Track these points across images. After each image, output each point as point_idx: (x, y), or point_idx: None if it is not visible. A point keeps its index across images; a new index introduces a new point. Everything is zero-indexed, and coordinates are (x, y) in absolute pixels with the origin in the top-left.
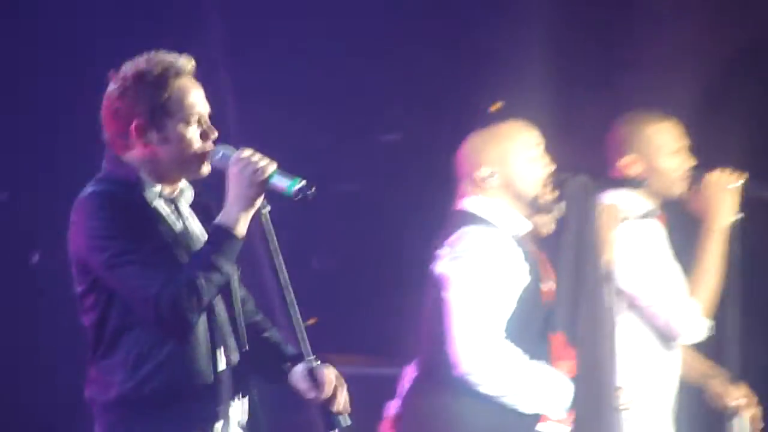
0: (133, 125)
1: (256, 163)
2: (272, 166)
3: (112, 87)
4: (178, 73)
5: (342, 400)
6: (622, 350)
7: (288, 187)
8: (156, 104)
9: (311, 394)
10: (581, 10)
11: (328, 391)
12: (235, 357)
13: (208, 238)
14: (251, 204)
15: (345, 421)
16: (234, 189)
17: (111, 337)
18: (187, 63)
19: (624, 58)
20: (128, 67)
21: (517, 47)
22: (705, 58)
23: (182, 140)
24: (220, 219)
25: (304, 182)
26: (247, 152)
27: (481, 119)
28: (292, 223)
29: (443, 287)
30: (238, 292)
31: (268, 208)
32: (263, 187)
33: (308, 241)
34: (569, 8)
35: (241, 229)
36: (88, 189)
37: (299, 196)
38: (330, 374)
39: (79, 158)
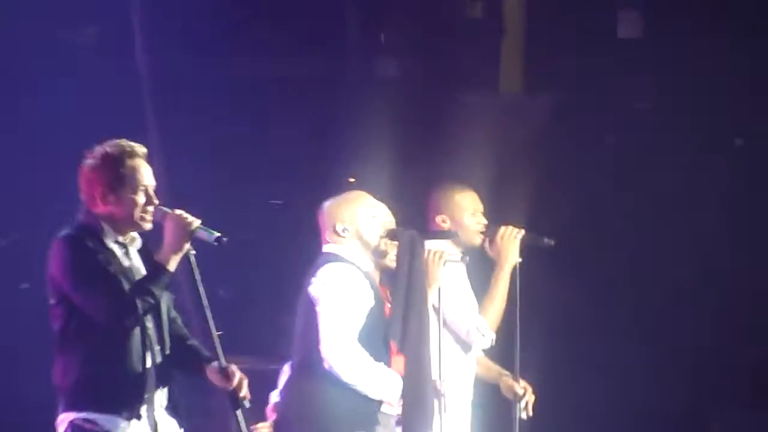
0: (99, 191)
1: (186, 219)
2: (197, 222)
3: (86, 161)
4: (132, 155)
5: (245, 389)
6: (438, 354)
7: (207, 236)
8: (114, 177)
9: (223, 385)
10: (408, 118)
11: (234, 382)
12: (159, 358)
13: (147, 272)
14: (180, 248)
15: (247, 403)
16: (168, 237)
17: (71, 339)
18: (140, 149)
19: (439, 146)
20: (98, 149)
21: (368, 140)
22: (496, 147)
23: (131, 204)
24: (157, 258)
25: (218, 234)
26: (178, 211)
27: (336, 189)
28: (204, 263)
29: (315, 304)
30: (167, 312)
31: (193, 251)
32: (190, 236)
33: (217, 275)
34: (402, 116)
35: (172, 266)
36: (64, 232)
37: (216, 243)
38: (236, 370)
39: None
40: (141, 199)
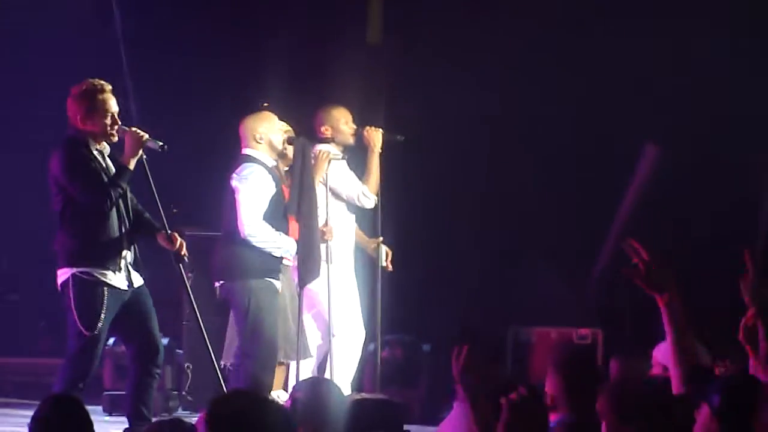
0: (80, 115)
1: (139, 133)
2: (146, 136)
3: (73, 93)
4: (102, 90)
5: (184, 250)
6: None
7: (154, 145)
8: (90, 106)
9: (170, 246)
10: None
11: (177, 245)
12: (128, 228)
13: (115, 171)
14: (136, 154)
15: (185, 261)
16: (128, 146)
17: (69, 217)
18: (107, 85)
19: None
20: (78, 86)
21: (275, 79)
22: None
23: (102, 125)
24: (120, 161)
25: (161, 143)
26: (134, 129)
27: (253, 108)
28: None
29: (235, 192)
30: (128, 195)
31: (146, 156)
32: (142, 145)
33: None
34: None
35: (131, 166)
36: (63, 141)
37: (160, 150)
38: (177, 236)
39: None
40: (108, 120)
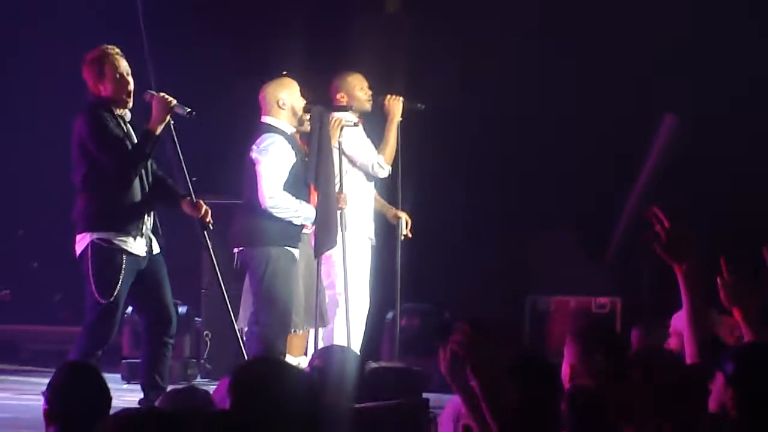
0: (92, 80)
1: (167, 98)
2: (174, 101)
3: (85, 60)
4: (109, 54)
5: (209, 217)
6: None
7: (182, 111)
8: (99, 70)
9: (194, 213)
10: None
11: (202, 212)
12: (147, 193)
13: (141, 135)
14: (164, 119)
15: (210, 228)
16: (155, 111)
17: (91, 183)
18: (115, 49)
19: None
20: (90, 53)
21: (294, 47)
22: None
23: (114, 88)
24: (147, 126)
25: (189, 109)
26: (162, 94)
27: (272, 78)
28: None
29: (255, 164)
30: (150, 162)
31: (173, 121)
32: (170, 111)
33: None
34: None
35: (158, 131)
36: (86, 107)
37: (188, 116)
38: (203, 203)
39: None
40: (119, 82)
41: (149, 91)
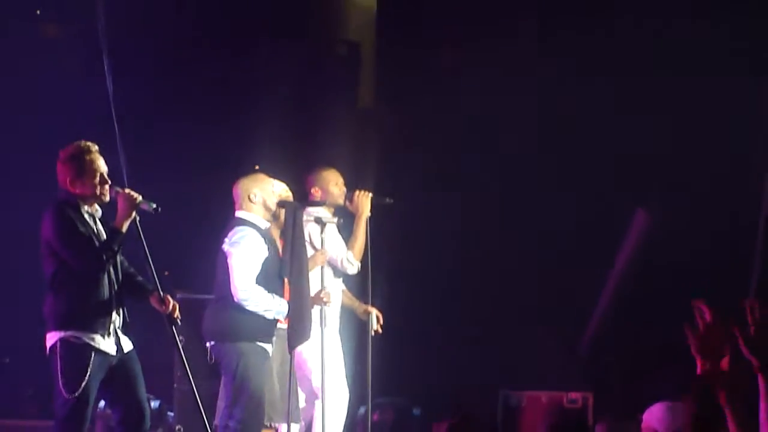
0: (68, 178)
1: (132, 195)
2: (140, 197)
3: (61, 157)
4: (89, 152)
5: (177, 313)
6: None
7: (148, 207)
8: (78, 168)
9: (162, 309)
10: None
11: (170, 307)
12: (117, 292)
13: (107, 234)
14: (129, 215)
15: (178, 323)
16: (121, 207)
17: (59, 280)
18: (94, 146)
19: (313, 143)
20: (65, 149)
21: (266, 142)
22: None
23: (92, 186)
24: (113, 223)
25: (155, 205)
26: (127, 190)
27: (246, 172)
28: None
29: (227, 257)
30: (118, 258)
31: (138, 218)
32: (135, 207)
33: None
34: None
35: (124, 228)
36: (53, 204)
37: (154, 212)
38: (170, 299)
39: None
40: (97, 181)
41: (114, 187)
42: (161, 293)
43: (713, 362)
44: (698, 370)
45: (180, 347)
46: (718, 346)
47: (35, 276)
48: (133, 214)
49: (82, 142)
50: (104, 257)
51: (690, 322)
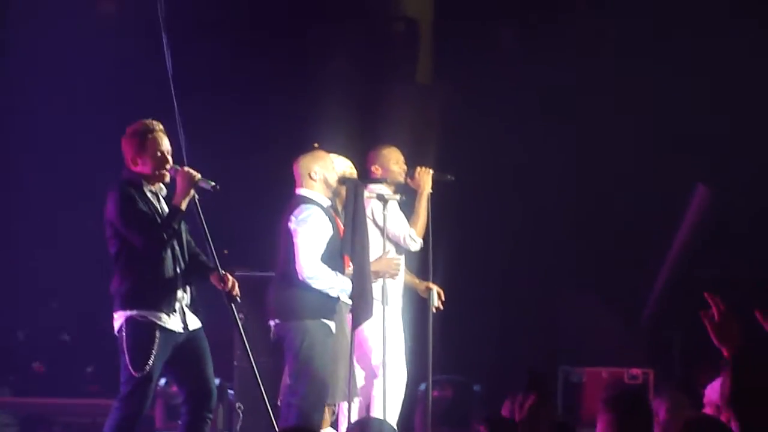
0: (130, 156)
1: (191, 173)
2: (198, 175)
3: (126, 134)
4: (153, 130)
5: (236, 290)
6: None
7: (207, 185)
8: (140, 146)
9: (222, 286)
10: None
11: (229, 285)
12: (183, 270)
13: (168, 211)
14: (188, 194)
15: (238, 301)
16: (180, 186)
17: (124, 259)
18: (157, 124)
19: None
20: (132, 126)
21: (328, 118)
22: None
23: (153, 164)
24: (173, 202)
25: (213, 183)
26: (186, 168)
27: (305, 149)
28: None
29: (293, 235)
30: (184, 237)
31: (198, 196)
32: (194, 185)
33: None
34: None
35: (183, 206)
36: (116, 184)
37: (212, 190)
38: (230, 276)
39: None
40: (159, 160)
41: (173, 165)
42: (221, 271)
43: (731, 347)
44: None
45: (240, 325)
46: (732, 333)
47: (95, 256)
48: (192, 192)
49: (147, 120)
50: (165, 235)
51: (706, 313)
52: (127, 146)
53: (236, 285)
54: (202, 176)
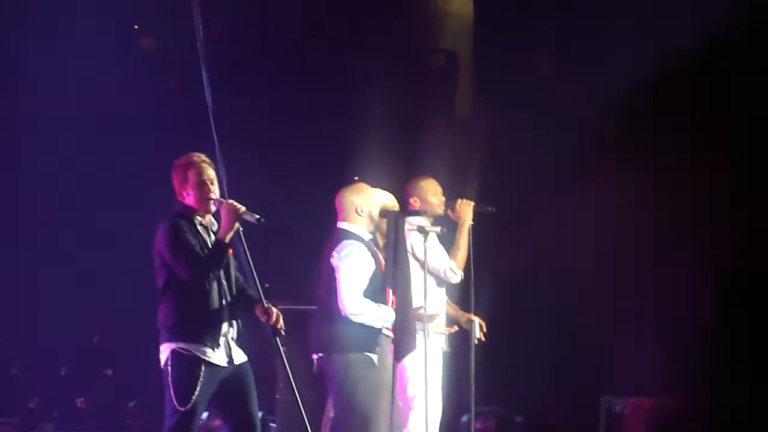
0: (177, 188)
1: (235, 206)
2: (243, 208)
3: (173, 167)
4: (196, 161)
5: (280, 323)
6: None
7: (251, 218)
8: (184, 178)
9: (266, 319)
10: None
11: (273, 318)
12: (229, 304)
13: (212, 246)
14: (232, 227)
15: (282, 333)
16: (224, 219)
17: (171, 291)
18: (201, 156)
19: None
20: (179, 159)
21: (367, 150)
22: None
23: (197, 196)
24: (217, 235)
25: (258, 216)
26: (230, 201)
27: (347, 182)
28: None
29: (335, 272)
30: (232, 271)
31: (242, 228)
32: (238, 219)
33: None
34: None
35: (227, 239)
36: (168, 218)
37: (257, 223)
38: (274, 309)
39: None
40: (201, 190)
41: (217, 198)
42: (265, 303)
43: None
44: None
45: (284, 358)
46: None
47: (134, 288)
48: (237, 225)
49: (194, 153)
50: (208, 268)
51: None
52: (174, 179)
53: (281, 318)
54: (247, 209)
